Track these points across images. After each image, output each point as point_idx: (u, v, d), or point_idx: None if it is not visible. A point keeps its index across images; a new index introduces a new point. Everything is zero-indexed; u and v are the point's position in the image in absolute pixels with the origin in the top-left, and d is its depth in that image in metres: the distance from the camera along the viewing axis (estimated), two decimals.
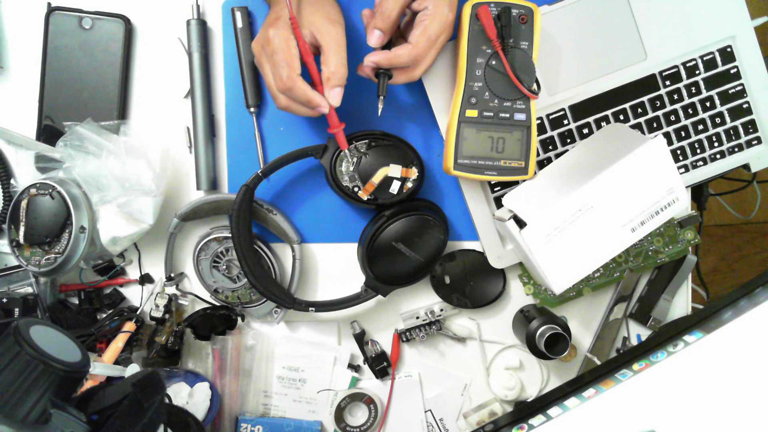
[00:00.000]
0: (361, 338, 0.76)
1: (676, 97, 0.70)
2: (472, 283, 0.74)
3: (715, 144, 0.71)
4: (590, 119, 0.70)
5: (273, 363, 0.76)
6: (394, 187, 0.68)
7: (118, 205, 0.68)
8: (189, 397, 0.71)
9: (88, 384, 0.66)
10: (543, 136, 0.71)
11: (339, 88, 0.60)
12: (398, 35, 0.65)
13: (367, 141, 0.68)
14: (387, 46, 0.63)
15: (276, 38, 0.59)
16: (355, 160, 0.68)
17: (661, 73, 0.70)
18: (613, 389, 0.61)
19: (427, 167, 0.72)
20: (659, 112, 0.70)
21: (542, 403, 0.66)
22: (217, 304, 0.76)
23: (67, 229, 0.68)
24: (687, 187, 0.72)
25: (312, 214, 0.75)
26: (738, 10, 0.69)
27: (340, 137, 0.65)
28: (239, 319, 0.76)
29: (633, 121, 0.71)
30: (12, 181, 0.73)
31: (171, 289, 0.74)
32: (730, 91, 0.70)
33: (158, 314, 0.73)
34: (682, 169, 0.71)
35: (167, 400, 0.58)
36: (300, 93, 0.60)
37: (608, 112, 0.70)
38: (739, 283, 0.64)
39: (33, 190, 0.67)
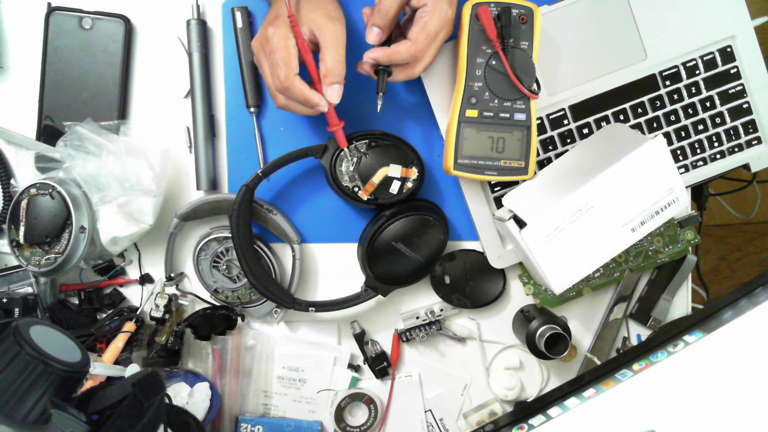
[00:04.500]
0: (361, 338, 0.76)
1: (676, 97, 0.70)
2: (472, 283, 0.74)
3: (715, 144, 0.71)
4: (590, 119, 0.70)
5: (273, 363, 0.76)
6: (394, 187, 0.68)
7: (118, 205, 0.68)
8: (189, 397, 0.71)
9: (88, 384, 0.66)
10: (543, 136, 0.71)
11: (337, 85, 0.60)
12: (398, 33, 0.65)
13: (367, 141, 0.68)
14: (387, 43, 0.63)
15: (274, 37, 0.59)
16: (355, 160, 0.68)
17: (661, 73, 0.70)
18: (613, 389, 0.61)
19: (427, 167, 0.72)
20: (659, 112, 0.70)
21: (542, 403, 0.66)
22: (217, 304, 0.75)
23: (67, 229, 0.67)
24: (687, 187, 0.72)
25: (312, 214, 0.75)
26: (738, 10, 0.69)
27: (339, 135, 0.65)
28: (239, 319, 0.76)
29: (633, 121, 0.71)
30: (12, 181, 0.73)
31: (171, 289, 0.74)
32: (730, 91, 0.70)
33: (158, 314, 0.73)
34: (682, 169, 0.71)
35: (167, 400, 0.58)
36: (297, 92, 0.60)
37: (608, 112, 0.70)
38: (739, 283, 0.64)
39: (33, 190, 0.67)
